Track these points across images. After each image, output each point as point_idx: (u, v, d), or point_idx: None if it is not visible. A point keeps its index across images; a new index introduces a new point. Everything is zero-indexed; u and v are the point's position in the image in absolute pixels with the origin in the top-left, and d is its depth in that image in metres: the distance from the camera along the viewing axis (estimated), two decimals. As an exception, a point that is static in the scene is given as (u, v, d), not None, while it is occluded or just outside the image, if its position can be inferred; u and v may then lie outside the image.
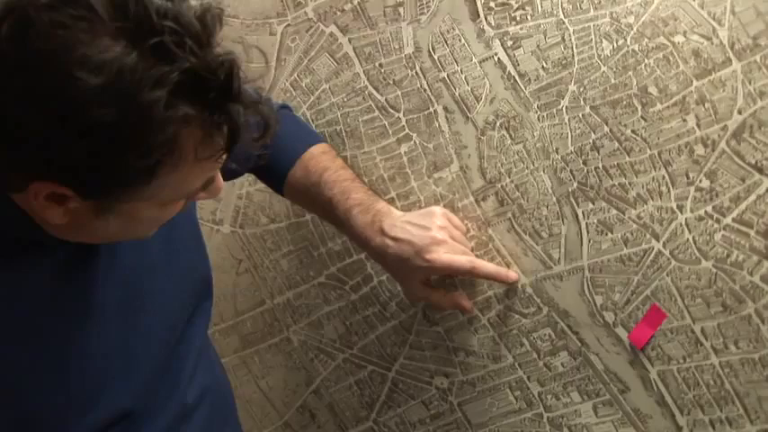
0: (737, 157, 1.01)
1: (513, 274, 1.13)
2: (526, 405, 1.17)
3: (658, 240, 1.06)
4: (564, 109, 1.08)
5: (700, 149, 1.03)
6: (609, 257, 1.09)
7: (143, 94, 0.69)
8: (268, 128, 0.81)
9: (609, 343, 1.11)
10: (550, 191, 1.11)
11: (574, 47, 1.07)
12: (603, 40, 1.06)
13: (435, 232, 1.09)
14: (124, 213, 0.78)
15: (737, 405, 1.06)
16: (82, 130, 0.69)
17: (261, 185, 1.25)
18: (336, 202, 1.11)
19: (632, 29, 1.04)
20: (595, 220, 1.09)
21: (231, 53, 0.73)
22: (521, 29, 1.09)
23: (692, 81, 1.02)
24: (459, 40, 1.13)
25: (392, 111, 1.18)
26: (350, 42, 1.19)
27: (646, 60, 1.04)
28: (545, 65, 1.09)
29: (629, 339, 1.09)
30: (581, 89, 1.07)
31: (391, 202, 1.18)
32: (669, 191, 1.05)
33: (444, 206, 1.16)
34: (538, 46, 1.09)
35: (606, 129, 1.07)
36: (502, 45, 1.11)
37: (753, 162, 1.00)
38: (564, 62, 1.08)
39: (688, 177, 1.04)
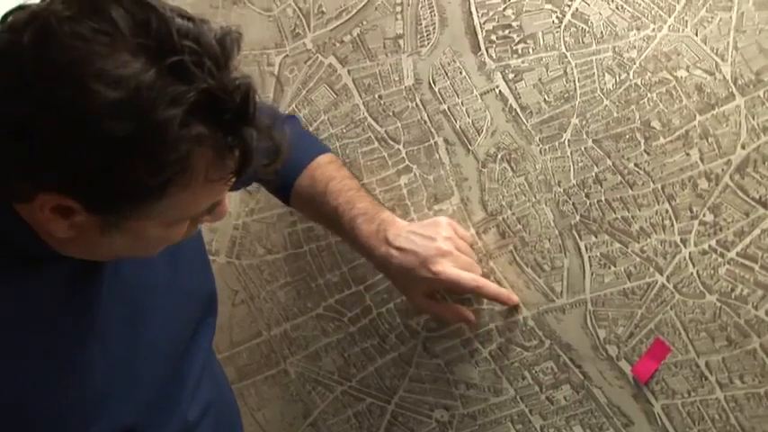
0: (741, 192, 1.01)
1: (515, 297, 1.12)
2: (528, 439, 1.17)
3: (662, 274, 1.06)
4: (566, 142, 1.08)
5: (703, 183, 1.03)
6: (612, 291, 1.08)
7: (159, 111, 0.69)
8: (279, 154, 0.81)
9: (612, 376, 1.10)
10: (553, 224, 1.10)
11: (576, 80, 1.07)
12: (606, 73, 1.05)
13: (441, 243, 1.08)
14: (129, 231, 0.78)
15: (742, 439, 1.06)
16: (95, 142, 0.69)
17: (257, 216, 1.24)
18: (342, 211, 1.10)
19: (635, 63, 1.04)
20: (598, 254, 1.08)
21: (248, 77, 0.74)
22: (522, 62, 1.09)
23: (695, 115, 1.02)
24: (461, 73, 1.12)
25: (392, 142, 1.17)
26: (349, 74, 1.18)
27: (648, 94, 1.04)
28: (547, 98, 1.08)
29: (633, 373, 1.09)
30: (583, 122, 1.07)
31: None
32: (673, 224, 1.05)
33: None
34: (540, 79, 1.08)
35: (609, 162, 1.06)
36: (503, 78, 1.10)
37: (757, 196, 1.00)
38: (566, 95, 1.07)
39: (692, 211, 1.04)
